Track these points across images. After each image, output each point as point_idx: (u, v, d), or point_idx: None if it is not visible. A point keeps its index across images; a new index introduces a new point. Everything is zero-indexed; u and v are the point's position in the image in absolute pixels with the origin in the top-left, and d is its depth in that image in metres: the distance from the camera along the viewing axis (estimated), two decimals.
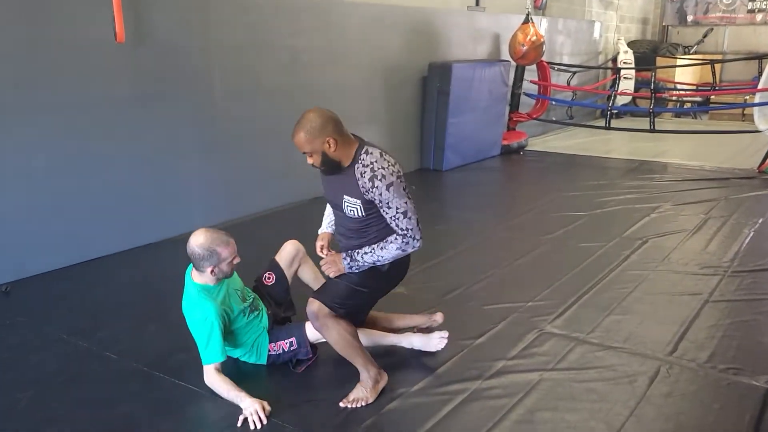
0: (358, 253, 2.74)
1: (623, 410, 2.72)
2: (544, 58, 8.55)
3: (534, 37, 7.97)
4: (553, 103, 9.43)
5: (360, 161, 2.66)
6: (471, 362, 3.10)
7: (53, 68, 4.15)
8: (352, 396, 2.75)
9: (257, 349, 3.00)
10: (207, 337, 2.76)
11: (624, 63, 10.92)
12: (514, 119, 8.74)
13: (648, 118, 8.44)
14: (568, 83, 10.14)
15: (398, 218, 2.65)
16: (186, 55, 4.92)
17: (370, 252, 2.72)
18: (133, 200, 4.71)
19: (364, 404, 2.72)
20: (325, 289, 2.87)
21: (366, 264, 2.74)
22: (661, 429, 2.62)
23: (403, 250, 2.73)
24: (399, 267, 2.91)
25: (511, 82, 8.48)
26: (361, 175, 2.64)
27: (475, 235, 5.12)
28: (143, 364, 3.07)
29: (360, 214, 2.71)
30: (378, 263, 2.74)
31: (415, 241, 2.71)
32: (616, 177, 7.13)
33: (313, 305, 2.76)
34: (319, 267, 2.99)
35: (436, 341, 3.12)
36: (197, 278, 2.84)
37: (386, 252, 2.71)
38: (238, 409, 2.66)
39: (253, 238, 4.44)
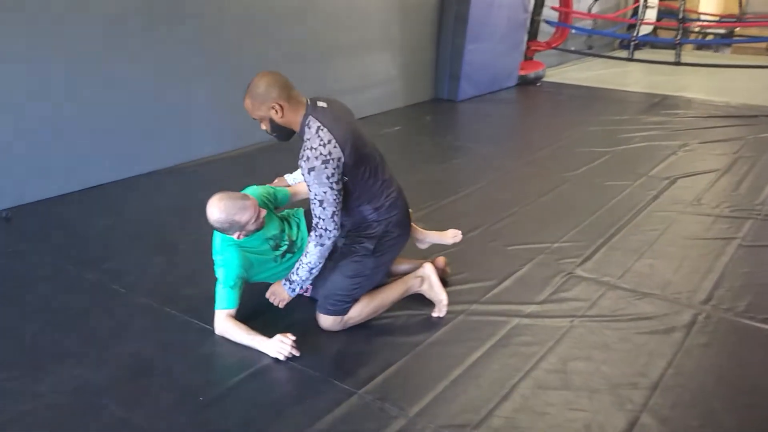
0: (292, 273, 2.66)
1: (660, 361, 2.57)
2: None
3: None
4: (573, 31, 9.01)
5: (304, 131, 2.50)
6: (497, 306, 2.94)
7: None
8: (437, 308, 2.84)
9: None
10: (222, 283, 2.61)
11: None
12: (532, 48, 8.37)
13: (670, 50, 8.08)
14: (589, 11, 9.69)
15: (314, 204, 2.50)
16: None
17: (300, 265, 2.62)
18: (137, 126, 4.48)
19: (445, 301, 2.82)
20: (325, 293, 2.70)
21: (303, 278, 2.64)
22: (701, 382, 2.48)
23: (322, 245, 2.56)
24: (396, 226, 2.75)
25: (531, 8, 8.07)
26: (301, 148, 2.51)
27: (493, 170, 4.90)
28: (152, 299, 2.92)
29: None
30: (313, 270, 2.61)
31: (328, 232, 2.53)
32: (638, 112, 6.85)
33: (324, 322, 2.69)
34: None
35: (450, 238, 3.12)
36: None
37: (310, 256, 2.58)
38: (254, 351, 2.52)
39: (267, 165, 4.23)
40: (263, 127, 2.56)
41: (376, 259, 2.71)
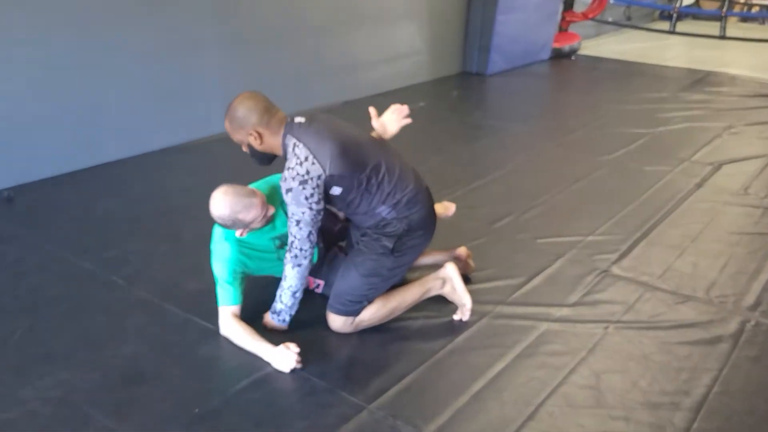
0: (276, 302, 2.46)
1: (705, 377, 2.32)
2: None
3: None
4: (612, 1, 8.55)
5: (286, 152, 2.32)
6: (525, 309, 2.69)
7: None
8: (460, 311, 2.60)
9: None
10: (219, 279, 2.41)
11: None
12: (568, 19, 7.94)
13: (714, 22, 7.62)
14: None
15: (291, 223, 2.32)
16: None
17: (281, 292, 2.43)
18: (144, 101, 4.26)
19: (469, 305, 2.57)
20: (337, 292, 2.48)
21: (289, 305, 2.43)
22: (751, 405, 2.21)
23: (299, 266, 2.36)
24: (419, 224, 2.49)
25: None
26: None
27: (523, 152, 4.60)
28: (153, 293, 2.72)
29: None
30: (297, 293, 2.42)
31: (303, 251, 2.34)
32: (680, 89, 6.46)
33: (334, 323, 2.49)
34: None
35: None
36: None
37: (290, 279, 2.39)
38: (250, 356, 2.32)
39: None
40: (244, 149, 2.40)
41: (395, 259, 2.48)
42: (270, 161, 2.43)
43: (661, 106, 5.80)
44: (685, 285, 2.90)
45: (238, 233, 2.40)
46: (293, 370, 2.25)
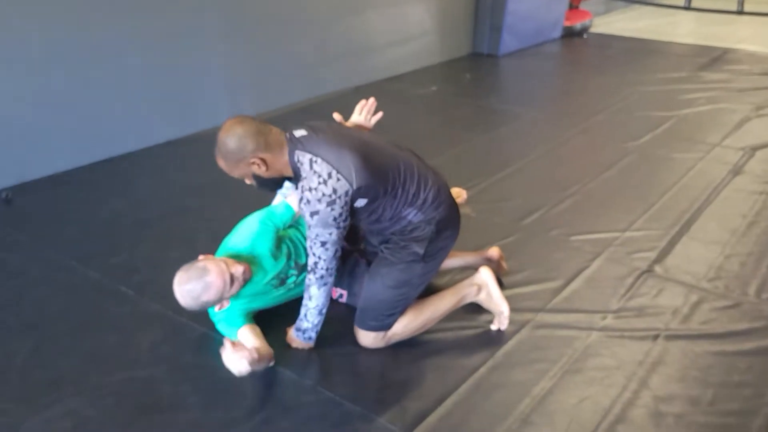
0: (301, 320, 2.26)
1: None
2: None
3: None
4: None
5: (298, 170, 2.05)
6: (566, 316, 2.50)
7: None
8: (497, 319, 2.43)
9: None
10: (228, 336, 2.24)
11: None
12: None
13: None
14: None
15: (314, 244, 2.10)
16: None
17: (306, 311, 2.22)
18: (148, 92, 4.04)
19: (507, 312, 2.39)
20: (364, 308, 2.29)
21: (315, 322, 2.23)
22: None
23: (326, 284, 2.17)
24: (447, 223, 2.28)
25: None
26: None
27: (545, 139, 4.39)
28: (165, 305, 2.52)
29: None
30: (323, 309, 2.22)
31: (330, 270, 2.15)
32: (698, 68, 6.23)
33: (364, 339, 2.30)
34: None
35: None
36: None
37: (316, 299, 2.19)
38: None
39: None
40: (248, 182, 2.12)
41: (425, 265, 2.27)
42: (279, 185, 2.16)
43: (682, 86, 5.57)
44: (733, 286, 2.71)
45: (217, 308, 2.22)
46: (324, 390, 2.07)
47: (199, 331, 2.38)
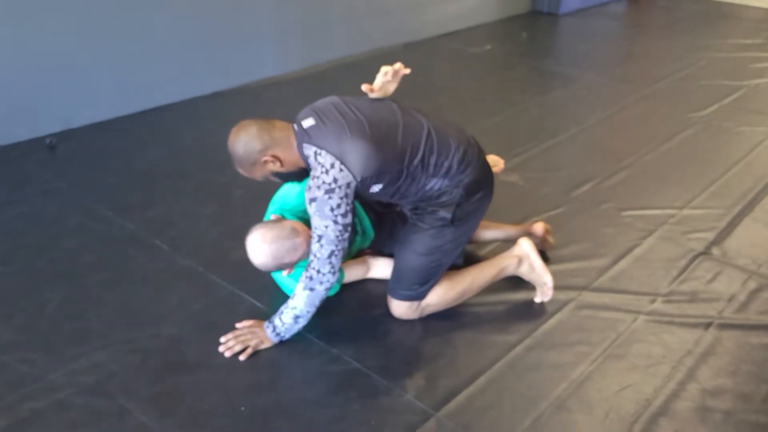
0: (276, 315, 2.08)
1: None
2: None
3: None
4: None
5: (308, 162, 1.99)
6: (612, 297, 2.37)
7: None
8: (539, 291, 2.33)
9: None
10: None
11: None
12: None
13: None
14: None
15: (312, 239, 1.98)
16: None
17: (285, 309, 2.05)
18: (194, 42, 3.96)
19: (550, 283, 2.30)
20: (396, 277, 2.19)
21: (287, 326, 2.05)
22: None
23: (312, 290, 1.99)
24: (476, 185, 2.14)
25: None
26: None
27: (603, 105, 4.17)
28: (197, 261, 2.49)
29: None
30: (300, 318, 2.04)
31: (321, 275, 1.98)
32: None
33: (397, 309, 2.22)
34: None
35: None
36: None
37: (297, 300, 2.02)
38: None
39: (336, 86, 3.66)
40: (271, 178, 2.08)
41: (455, 229, 2.15)
42: (302, 176, 2.09)
43: (755, 54, 5.23)
44: None
45: (284, 273, 2.14)
46: (353, 361, 2.00)
47: (228, 290, 2.33)
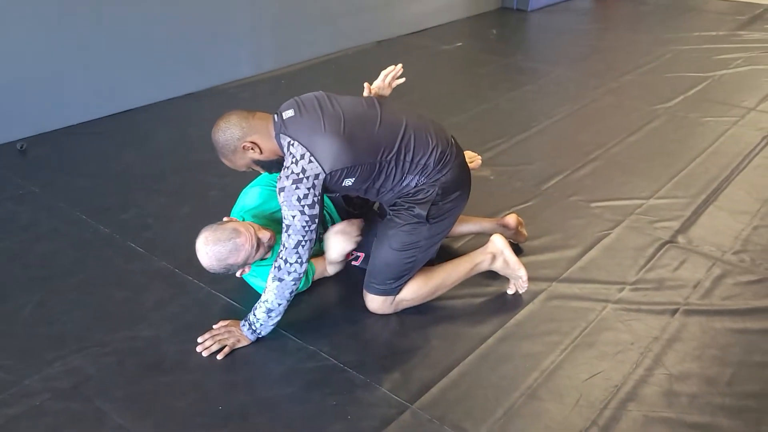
0: (251, 312, 2.10)
1: None
2: None
3: None
4: None
5: (285, 153, 2.04)
6: (581, 287, 2.43)
7: None
8: (513, 284, 2.38)
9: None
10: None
11: None
12: None
13: None
14: None
15: (283, 229, 2.01)
16: None
17: (258, 304, 2.08)
18: (168, 43, 3.96)
19: (525, 276, 2.32)
20: (371, 272, 2.23)
21: (261, 321, 2.07)
22: None
23: (281, 280, 2.02)
24: (454, 184, 2.19)
25: None
26: None
27: (571, 99, 4.24)
28: (172, 262, 2.50)
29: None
30: (272, 312, 2.06)
31: (288, 265, 2.00)
32: (737, 26, 5.97)
33: (371, 303, 2.26)
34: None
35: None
36: None
37: (268, 293, 2.04)
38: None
39: (309, 87, 3.69)
40: (254, 168, 2.11)
41: (431, 227, 2.20)
42: (280, 164, 2.08)
43: (718, 46, 5.35)
44: (760, 259, 2.60)
45: (239, 273, 2.17)
46: (330, 358, 2.03)
47: (205, 290, 2.35)
